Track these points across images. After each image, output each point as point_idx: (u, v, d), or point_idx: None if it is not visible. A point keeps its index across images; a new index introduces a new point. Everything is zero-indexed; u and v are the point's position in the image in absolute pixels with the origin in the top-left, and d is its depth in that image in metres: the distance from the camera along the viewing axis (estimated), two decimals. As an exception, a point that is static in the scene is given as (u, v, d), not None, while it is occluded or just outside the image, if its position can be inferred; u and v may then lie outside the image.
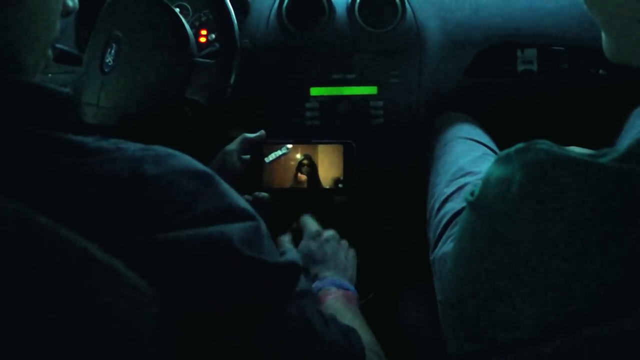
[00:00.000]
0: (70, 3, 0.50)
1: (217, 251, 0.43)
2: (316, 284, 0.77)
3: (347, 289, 0.77)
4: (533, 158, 0.41)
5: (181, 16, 0.87)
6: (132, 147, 0.44)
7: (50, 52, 0.50)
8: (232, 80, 0.86)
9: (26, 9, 0.43)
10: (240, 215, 0.46)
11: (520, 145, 0.43)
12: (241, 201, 0.48)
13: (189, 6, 1.16)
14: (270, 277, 0.46)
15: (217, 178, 0.47)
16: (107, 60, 0.86)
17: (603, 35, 0.50)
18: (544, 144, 0.42)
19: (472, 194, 0.46)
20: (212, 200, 0.45)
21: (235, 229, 0.44)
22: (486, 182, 0.45)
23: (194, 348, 0.44)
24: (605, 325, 0.38)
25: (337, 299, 0.73)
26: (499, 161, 0.45)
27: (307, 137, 0.95)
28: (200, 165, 0.47)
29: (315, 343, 0.50)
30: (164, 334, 0.41)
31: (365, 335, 0.63)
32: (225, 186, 0.47)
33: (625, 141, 0.95)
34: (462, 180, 0.81)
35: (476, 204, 0.45)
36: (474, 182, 0.79)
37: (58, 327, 0.36)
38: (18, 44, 0.43)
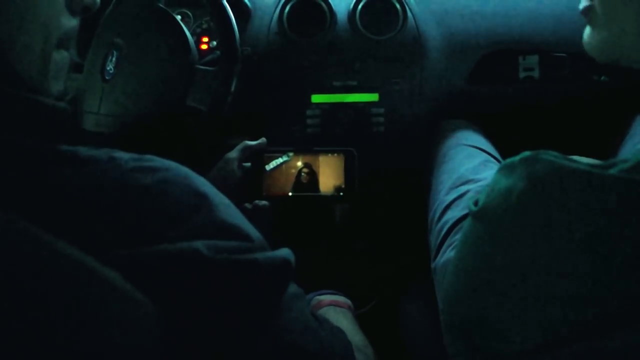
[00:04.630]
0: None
1: (203, 261, 0.42)
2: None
3: (333, 294, 0.77)
4: (538, 170, 0.41)
5: (182, 23, 0.88)
6: (125, 157, 0.44)
7: (63, 54, 0.47)
8: (233, 88, 0.86)
9: (8, 15, 0.41)
10: (232, 233, 0.45)
11: (525, 154, 0.43)
12: (236, 218, 0.46)
13: (190, 13, 1.17)
14: (262, 274, 0.45)
15: (212, 191, 0.46)
16: (108, 68, 0.86)
17: (588, 29, 0.49)
18: (550, 155, 0.41)
19: (475, 203, 0.46)
20: (203, 216, 0.44)
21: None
22: (490, 192, 0.44)
23: (194, 353, 0.43)
24: (611, 336, 0.37)
25: (328, 308, 0.73)
26: (503, 170, 0.44)
27: (308, 144, 0.94)
28: (194, 178, 0.46)
29: (312, 344, 0.50)
30: (163, 344, 0.41)
31: (356, 336, 0.63)
32: (220, 201, 0.46)
33: (629, 149, 0.94)
34: (463, 188, 0.81)
35: (479, 214, 0.44)
36: (476, 189, 0.79)
37: (56, 341, 0.36)
38: (7, 52, 0.42)
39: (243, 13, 1.13)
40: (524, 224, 0.40)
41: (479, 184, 0.80)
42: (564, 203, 0.39)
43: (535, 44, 1.10)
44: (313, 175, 0.91)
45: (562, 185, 0.39)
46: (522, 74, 1.11)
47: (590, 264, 0.38)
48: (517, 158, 0.43)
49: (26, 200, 0.38)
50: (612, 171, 0.38)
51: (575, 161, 0.40)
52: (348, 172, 0.91)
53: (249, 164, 0.92)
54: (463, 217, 0.72)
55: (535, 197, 0.40)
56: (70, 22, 0.47)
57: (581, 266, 0.38)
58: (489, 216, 0.43)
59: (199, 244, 0.41)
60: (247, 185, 0.90)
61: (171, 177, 0.44)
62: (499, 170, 0.45)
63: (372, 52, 1.10)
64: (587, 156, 0.63)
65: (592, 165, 0.39)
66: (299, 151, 0.92)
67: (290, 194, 0.91)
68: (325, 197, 0.91)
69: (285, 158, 0.92)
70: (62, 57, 0.48)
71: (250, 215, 0.88)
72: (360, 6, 1.08)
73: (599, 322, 0.38)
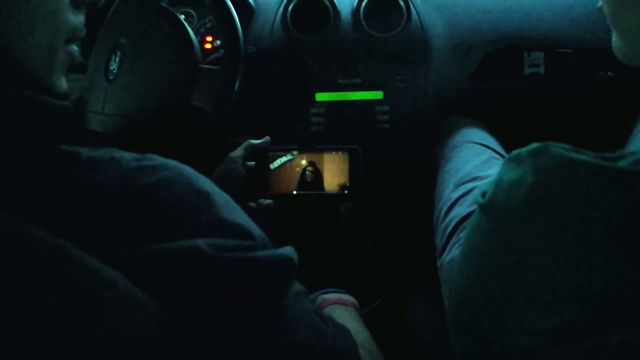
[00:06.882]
0: None
1: (205, 259, 0.42)
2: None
3: (338, 292, 0.77)
4: (546, 161, 0.40)
5: (186, 23, 0.87)
6: (127, 156, 0.44)
7: (72, 48, 0.47)
8: (236, 86, 0.86)
9: (12, 10, 0.41)
10: (234, 231, 0.44)
11: (533, 146, 0.42)
12: (238, 217, 0.46)
13: (194, 13, 1.17)
14: (264, 272, 0.45)
15: (214, 190, 0.46)
16: (112, 68, 0.86)
17: (614, 36, 0.48)
18: (557, 147, 0.40)
19: (483, 195, 0.45)
20: (205, 214, 0.43)
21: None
22: (497, 184, 0.44)
23: (196, 352, 0.43)
24: (621, 332, 0.37)
25: (333, 306, 0.73)
26: (511, 162, 0.44)
27: (312, 142, 0.94)
28: (195, 177, 0.46)
29: (317, 343, 0.50)
30: (165, 342, 0.41)
31: (361, 334, 0.63)
32: (222, 200, 0.46)
33: (636, 144, 0.93)
34: (469, 185, 0.80)
35: (487, 207, 0.44)
36: (483, 183, 0.78)
37: (57, 339, 0.36)
38: (11, 49, 0.42)
39: (246, 11, 1.13)
40: (532, 217, 0.40)
41: (485, 181, 0.80)
42: (572, 196, 0.38)
43: (540, 40, 1.09)
44: (317, 174, 0.91)
45: (571, 178, 0.39)
46: (527, 71, 1.10)
47: (600, 258, 0.37)
48: (524, 150, 0.42)
49: (26, 199, 0.38)
50: (622, 163, 0.37)
51: (584, 153, 0.39)
52: (352, 170, 0.91)
53: (253, 163, 0.92)
54: (469, 214, 0.72)
55: (544, 190, 0.39)
56: (77, 18, 0.47)
57: (590, 260, 0.37)
58: (496, 209, 0.43)
59: (201, 242, 0.41)
60: (252, 184, 0.90)
61: (173, 176, 0.44)
62: (507, 162, 0.44)
63: (376, 49, 1.09)
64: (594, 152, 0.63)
65: (600, 157, 0.38)
66: (303, 149, 0.92)
67: (294, 192, 0.91)
68: (330, 195, 0.91)
69: (289, 156, 0.92)
70: (69, 52, 0.48)
71: (254, 214, 0.88)
72: (364, 3, 1.08)
73: (609, 317, 0.37)
